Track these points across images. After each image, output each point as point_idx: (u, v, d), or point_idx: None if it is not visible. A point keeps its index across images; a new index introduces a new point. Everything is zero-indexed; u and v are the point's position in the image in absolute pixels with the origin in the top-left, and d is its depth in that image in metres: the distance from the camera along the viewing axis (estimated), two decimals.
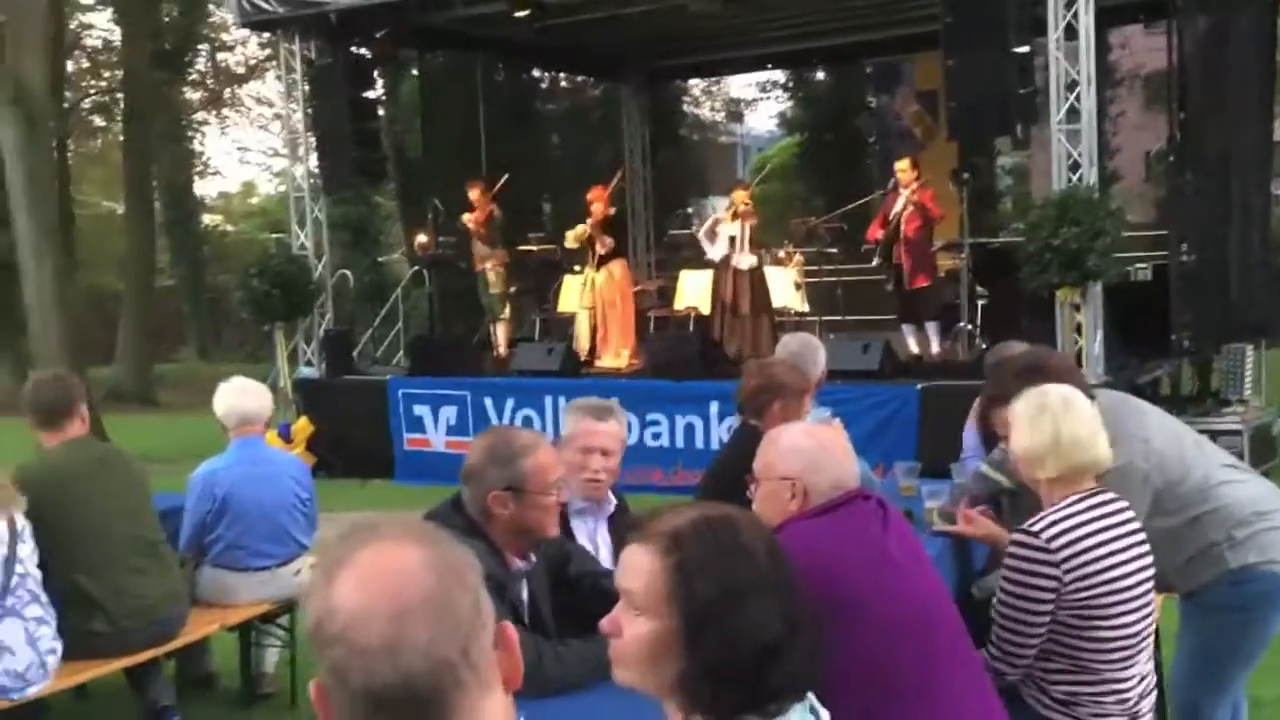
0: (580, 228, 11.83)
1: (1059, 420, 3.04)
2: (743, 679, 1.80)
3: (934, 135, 15.61)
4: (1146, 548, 3.05)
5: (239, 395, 5.07)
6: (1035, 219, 9.10)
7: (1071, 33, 9.15)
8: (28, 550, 4.09)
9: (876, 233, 10.91)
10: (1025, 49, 9.35)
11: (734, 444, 4.41)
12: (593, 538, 3.61)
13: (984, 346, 9.69)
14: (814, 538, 2.56)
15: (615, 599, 1.88)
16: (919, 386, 9.29)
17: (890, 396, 9.30)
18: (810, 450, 2.66)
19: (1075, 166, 9.25)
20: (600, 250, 11.58)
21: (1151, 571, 3.04)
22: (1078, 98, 9.20)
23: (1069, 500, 3.02)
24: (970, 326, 10.47)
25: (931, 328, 10.92)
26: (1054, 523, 2.97)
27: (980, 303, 10.70)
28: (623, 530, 3.50)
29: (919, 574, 2.65)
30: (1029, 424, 3.07)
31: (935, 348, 10.90)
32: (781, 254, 12.50)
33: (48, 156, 17.67)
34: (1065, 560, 2.92)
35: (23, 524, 4.12)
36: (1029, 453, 3.07)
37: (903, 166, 10.85)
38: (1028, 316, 9.61)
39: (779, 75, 25.31)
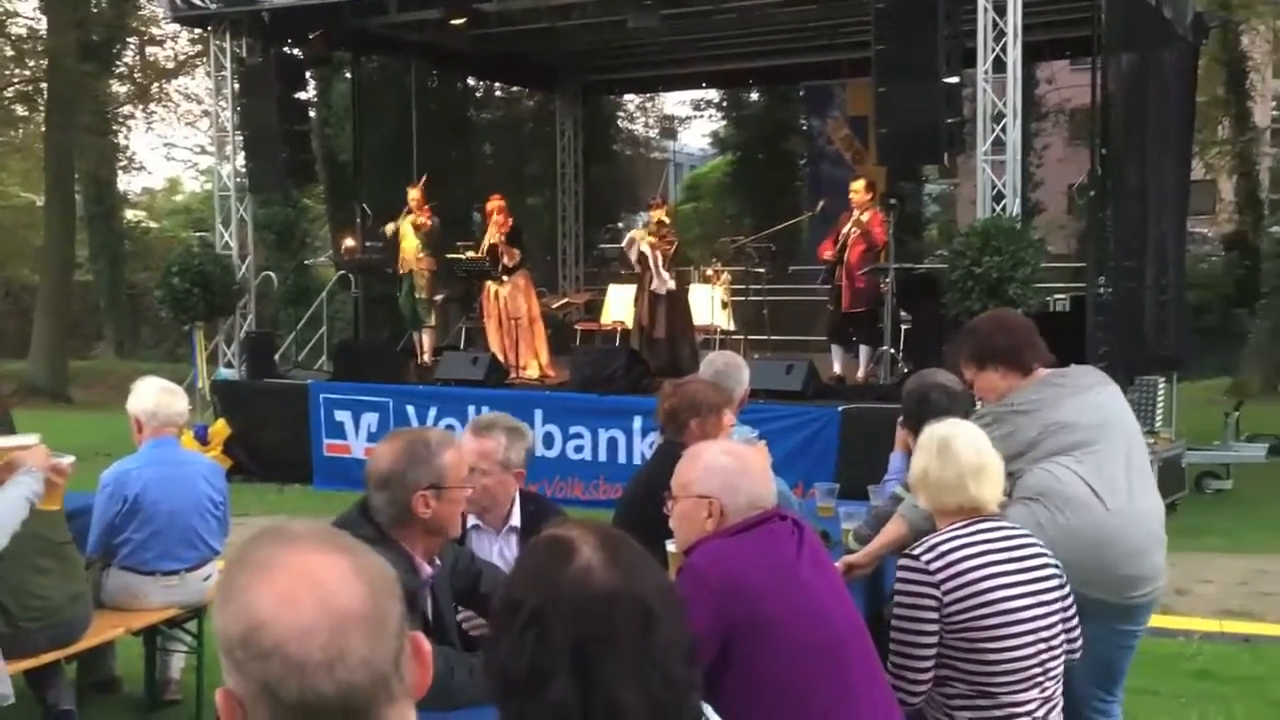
0: (470, 252, 11.84)
1: (966, 453, 3.14)
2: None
3: (863, 160, 15.79)
4: (1048, 573, 3.10)
5: (154, 394, 4.97)
6: (959, 246, 9.24)
7: (999, 66, 9.32)
8: None
9: (827, 251, 11.00)
10: (954, 80, 9.50)
11: (655, 461, 4.41)
12: (488, 552, 3.60)
13: (905, 371, 9.82)
14: (726, 557, 2.57)
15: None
16: (840, 408, 9.38)
17: (812, 417, 9.38)
18: (728, 469, 2.67)
19: (999, 196, 9.41)
20: (507, 261, 11.52)
21: (1055, 597, 3.09)
22: (1003, 129, 9.37)
23: (955, 525, 3.10)
24: (893, 351, 10.60)
25: (864, 351, 11.03)
26: (934, 546, 3.05)
27: (904, 327, 10.83)
28: (534, 533, 3.50)
29: (831, 595, 2.67)
30: (935, 454, 3.16)
31: (862, 371, 11.01)
32: (709, 272, 12.57)
33: None
34: (944, 581, 2.99)
35: None
36: (937, 481, 3.14)
37: (857, 187, 10.96)
38: (949, 342, 9.74)
39: (713, 94, 25.46)
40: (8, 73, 25.70)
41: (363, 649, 1.20)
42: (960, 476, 3.12)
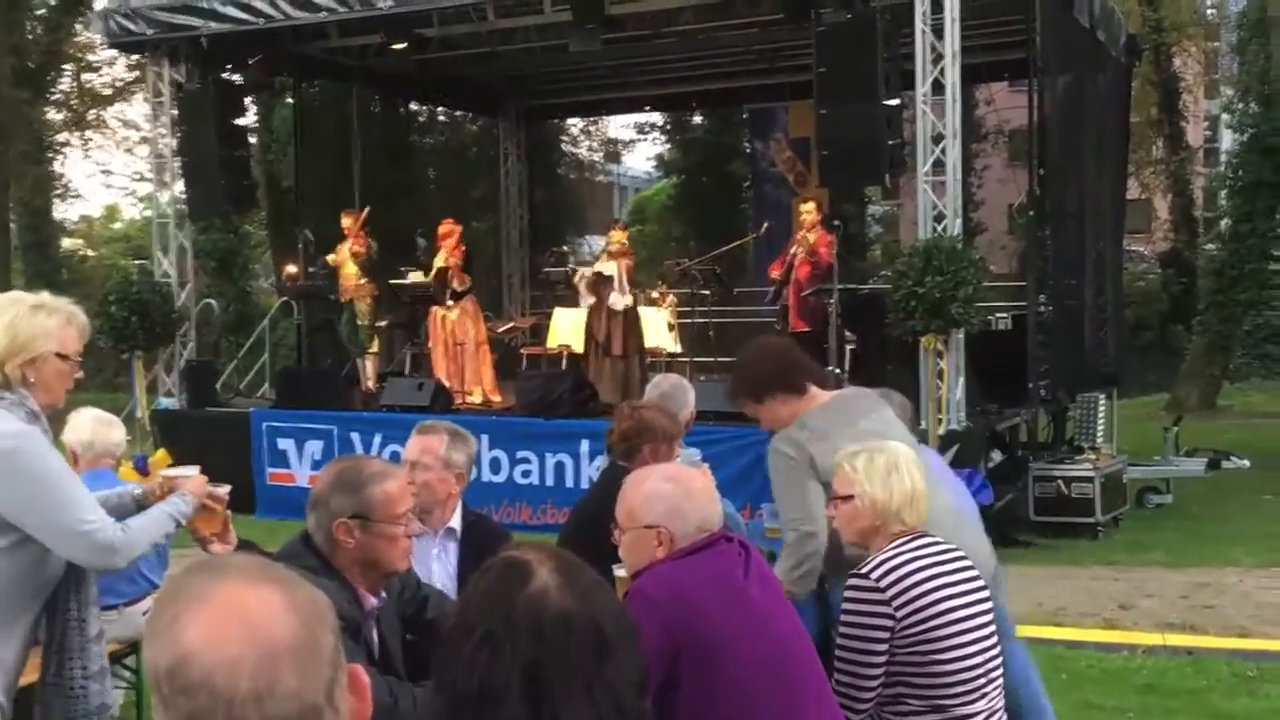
0: (434, 262, 11.81)
1: (914, 474, 3.16)
2: None
3: (806, 182, 15.90)
4: (981, 582, 3.15)
5: (89, 425, 4.88)
6: (902, 267, 9.32)
7: (938, 88, 9.43)
8: None
9: (775, 271, 11.04)
10: (894, 102, 9.60)
11: (601, 485, 4.39)
12: (425, 556, 3.57)
13: None
14: (675, 580, 2.55)
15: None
16: None
17: (759, 439, 9.28)
18: (673, 495, 2.65)
19: (940, 217, 9.51)
20: (457, 285, 11.48)
21: (989, 606, 3.13)
22: (943, 150, 9.47)
23: (895, 543, 3.12)
24: (839, 371, 10.64)
25: None
26: (882, 563, 3.07)
27: (849, 348, 10.88)
28: (477, 551, 3.49)
29: (780, 617, 2.66)
30: (883, 479, 3.16)
31: None
32: (655, 294, 12.58)
33: None
34: (895, 598, 3.00)
35: None
36: (885, 508, 3.14)
37: (807, 208, 11.02)
38: (894, 362, 9.82)
39: (657, 118, 25.59)
40: None
41: (292, 681, 1.17)
42: (912, 498, 3.14)
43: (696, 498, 2.66)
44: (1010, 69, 13.37)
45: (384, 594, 2.95)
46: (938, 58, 9.38)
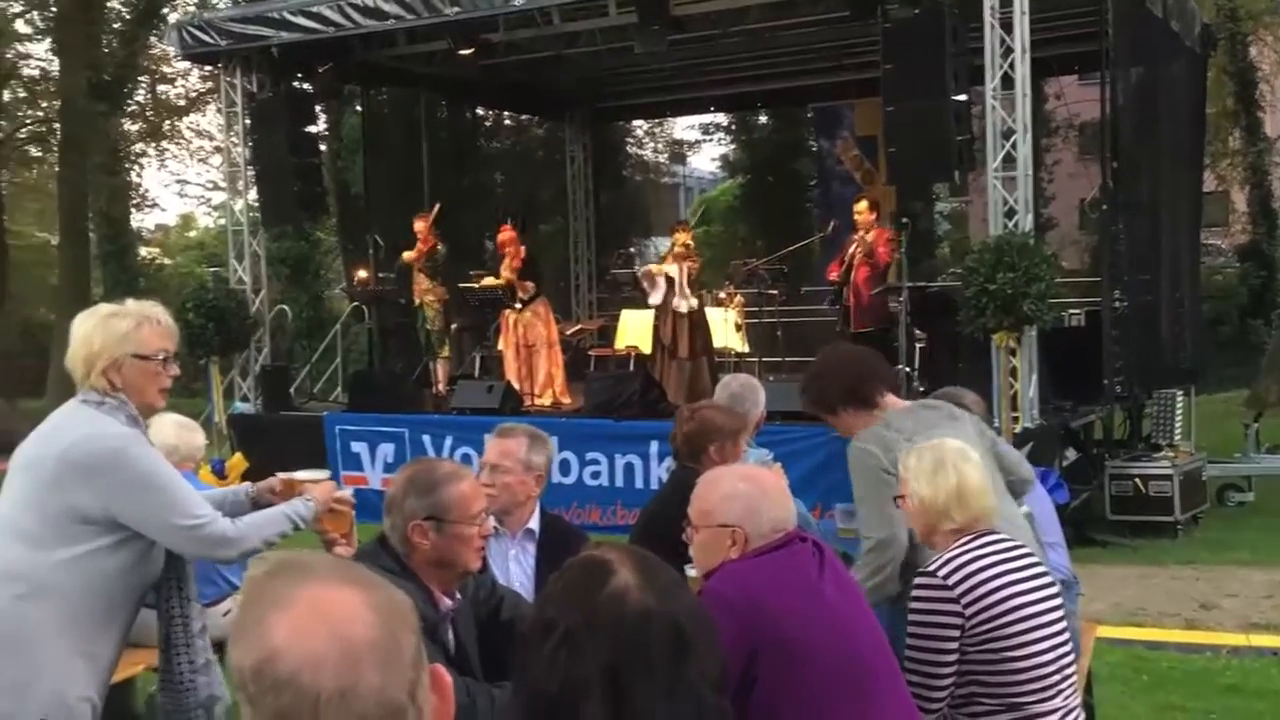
0: (489, 279, 11.92)
1: (960, 471, 3.12)
2: None
3: (873, 180, 15.79)
4: (1049, 579, 3.11)
5: (173, 430, 4.97)
6: (972, 264, 9.22)
7: (1008, 82, 9.32)
8: None
9: (834, 273, 11.00)
10: (963, 97, 9.51)
11: (670, 487, 4.40)
12: (503, 557, 3.64)
13: (921, 390, 9.78)
14: (748, 579, 2.55)
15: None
16: None
17: (830, 438, 9.28)
18: (748, 495, 2.65)
19: (1011, 213, 9.39)
20: (522, 295, 11.57)
21: (1059, 603, 3.10)
22: (1013, 146, 9.35)
23: (961, 541, 3.09)
24: (909, 369, 10.56)
25: None
26: (949, 560, 3.04)
27: (918, 346, 10.79)
28: (555, 553, 3.53)
29: (855, 615, 2.65)
30: (929, 477, 3.14)
31: None
32: (722, 295, 12.56)
33: None
34: (964, 595, 2.98)
35: None
36: (933, 505, 3.13)
37: (860, 208, 10.95)
38: (965, 360, 9.71)
39: (722, 118, 25.53)
40: (21, 114, 25.96)
41: (375, 679, 1.19)
42: (959, 495, 3.12)
43: (771, 497, 2.66)
44: (1080, 61, 13.18)
45: (458, 595, 2.98)
46: (1007, 51, 9.27)
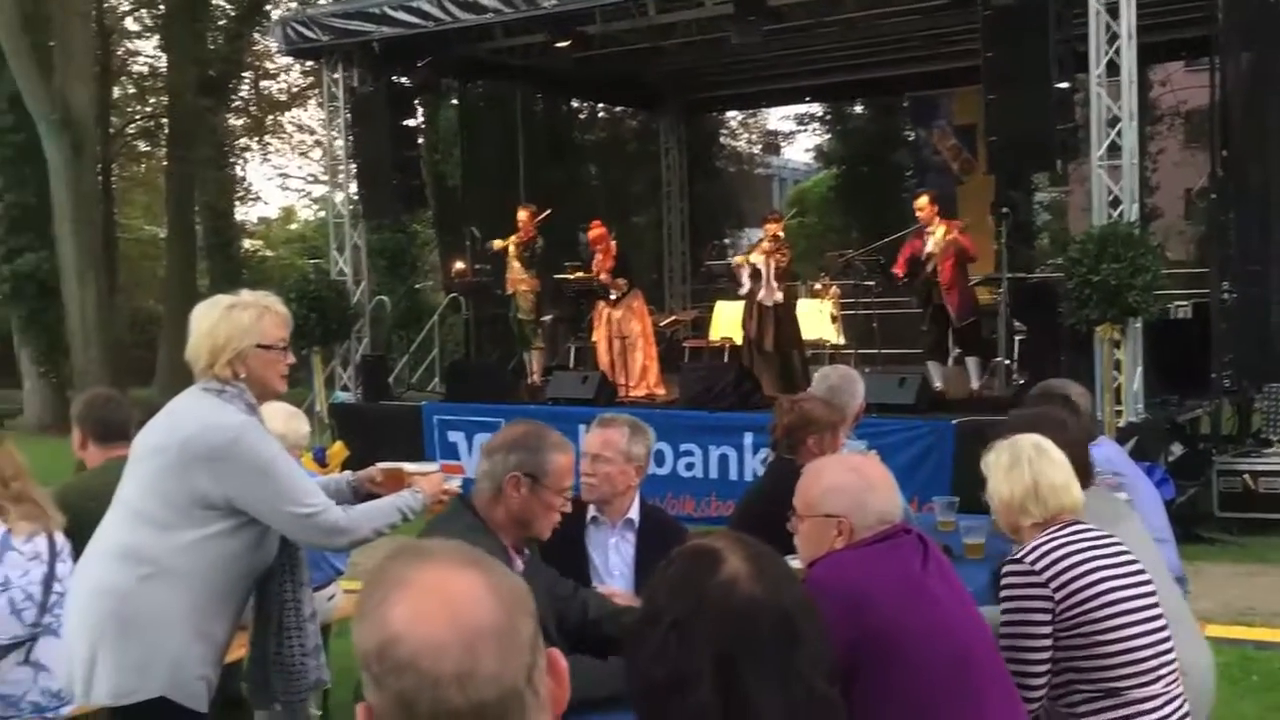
0: (580, 274, 11.97)
1: (1035, 467, 3.12)
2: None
3: (971, 169, 15.58)
4: (1140, 567, 3.06)
5: (282, 418, 5.06)
6: (1075, 254, 9.04)
7: (1113, 69, 9.11)
8: (66, 569, 4.11)
9: (901, 267, 10.89)
10: (1066, 85, 9.32)
11: (768, 478, 4.41)
12: (604, 546, 3.70)
13: (1021, 382, 9.63)
14: (852, 570, 2.54)
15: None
16: (954, 421, 9.23)
17: (926, 431, 9.24)
18: (855, 487, 2.64)
19: (1115, 202, 9.20)
20: (614, 294, 11.61)
21: (1153, 589, 3.05)
22: (1118, 134, 9.15)
23: (1049, 531, 3.08)
24: (1008, 362, 10.40)
25: (972, 363, 10.87)
26: (1036, 547, 3.03)
27: (1018, 338, 10.62)
28: (654, 542, 3.57)
29: (959, 608, 2.62)
30: (1005, 474, 3.15)
31: (975, 383, 10.84)
32: (817, 286, 12.48)
33: (93, 181, 17.98)
34: (1053, 580, 2.96)
35: (62, 542, 4.14)
36: (1010, 502, 3.13)
37: (921, 204, 10.81)
38: (1067, 352, 9.54)
39: (817, 108, 25.36)
40: (130, 110, 26.72)
41: (494, 664, 1.21)
42: (1067, 477, 3.12)
43: (878, 489, 2.65)
44: (1188, 47, 12.86)
45: (526, 552, 3.09)
46: (1113, 37, 9.06)
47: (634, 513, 3.75)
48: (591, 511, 3.73)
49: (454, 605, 1.23)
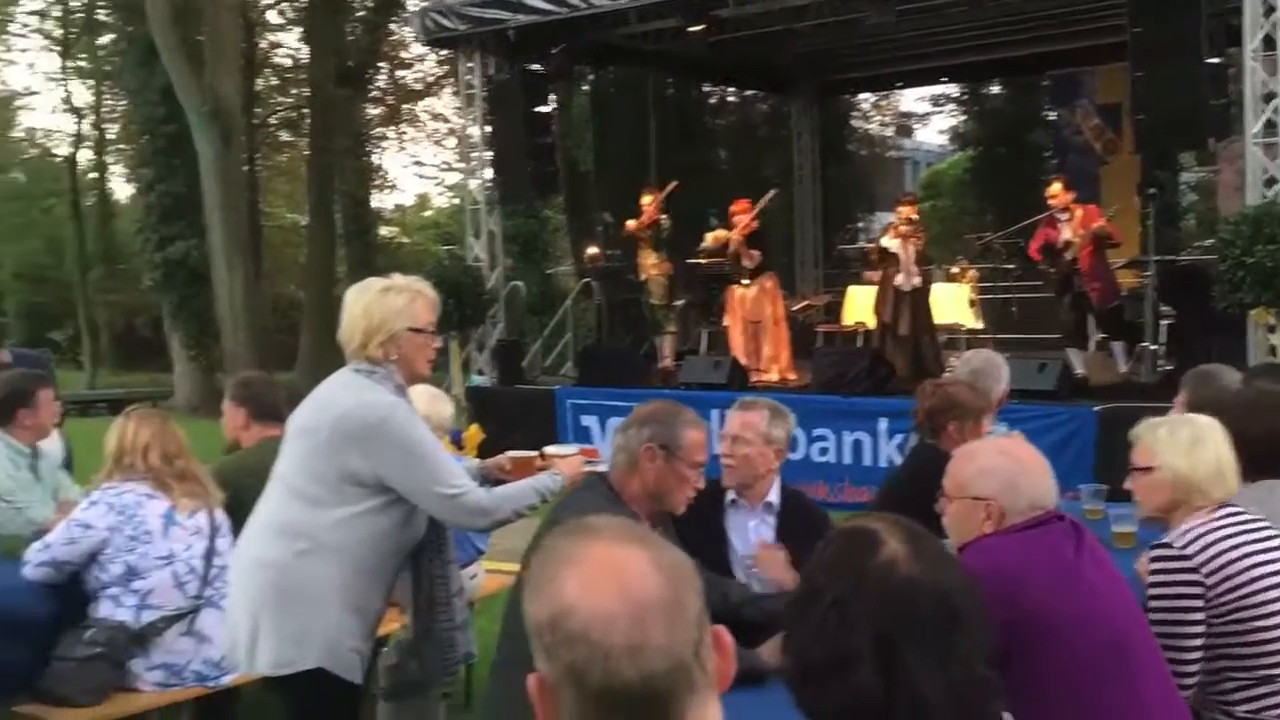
0: (719, 231, 11.86)
1: (1220, 450, 3.03)
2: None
3: (1115, 149, 15.14)
4: None
5: (427, 400, 5.17)
6: (1228, 235, 8.73)
7: (1270, 43, 8.76)
8: (226, 543, 4.28)
9: (1036, 251, 10.64)
10: (1218, 60, 8.99)
11: (910, 463, 4.37)
12: (743, 529, 3.71)
13: (1169, 368, 9.34)
14: (1003, 554, 2.51)
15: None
16: (1096, 408, 8.99)
17: (1066, 418, 9.02)
18: (1007, 470, 2.60)
19: (1271, 182, 8.85)
20: (746, 263, 11.52)
21: None
22: (1275, 110, 8.80)
23: (1203, 515, 2.99)
24: (1154, 347, 10.09)
25: (1118, 348, 10.58)
26: (1186, 532, 2.95)
27: (1164, 323, 10.30)
28: (794, 525, 3.56)
29: (1115, 597, 2.57)
30: (1187, 451, 3.03)
31: (1122, 367, 10.55)
32: (954, 270, 12.27)
33: (240, 170, 18.57)
34: (1204, 564, 2.87)
35: (222, 518, 4.32)
36: (1189, 480, 3.01)
37: (1054, 190, 10.54)
38: (1217, 337, 9.22)
39: (952, 89, 24.86)
40: (273, 101, 27.51)
41: (662, 637, 1.24)
42: (1219, 472, 3.02)
43: (1031, 473, 2.60)
44: None
45: (659, 528, 3.09)
46: (1269, 10, 8.71)
47: (774, 496, 3.75)
48: (730, 495, 3.74)
49: (623, 579, 1.27)
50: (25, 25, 27.88)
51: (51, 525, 4.36)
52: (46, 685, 3.96)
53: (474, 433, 11.86)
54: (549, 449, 3.68)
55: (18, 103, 30.19)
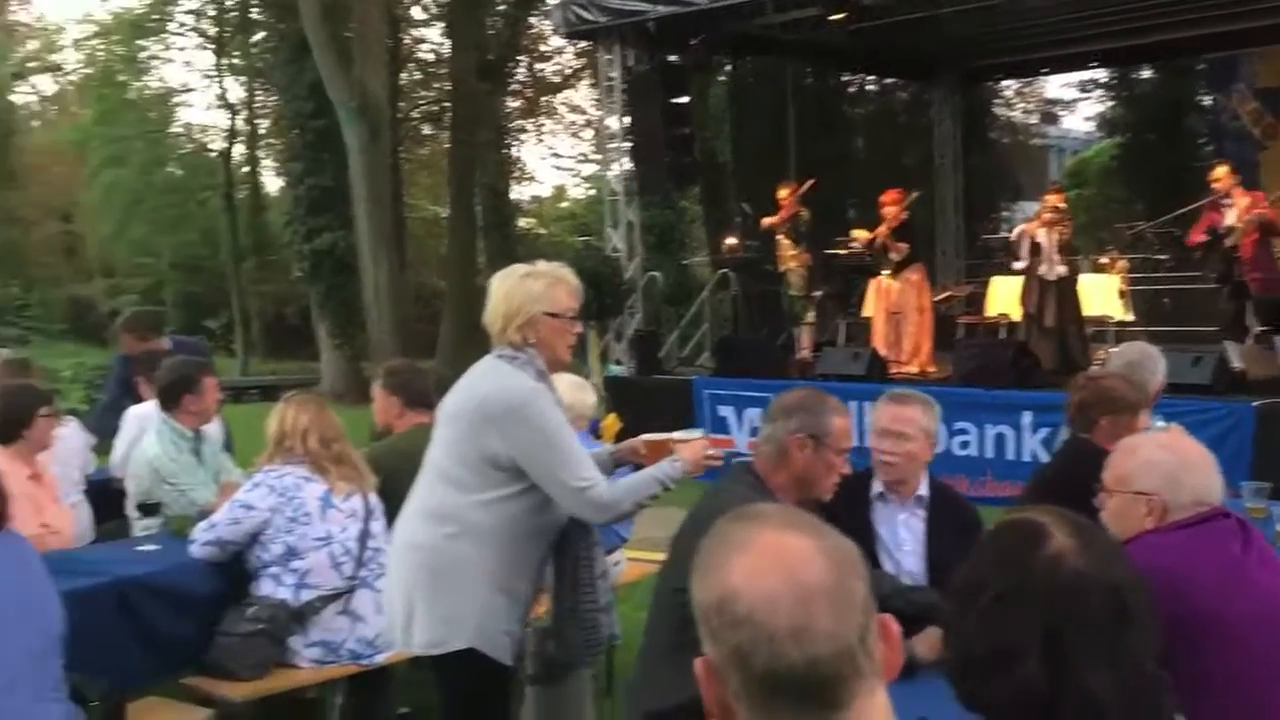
0: (863, 231, 11.73)
1: None
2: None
3: (1275, 134, 14.57)
4: None
5: (569, 390, 5.24)
6: None
7: None
8: (379, 526, 4.41)
9: (1198, 238, 10.27)
10: None
11: (1060, 458, 4.28)
12: (893, 522, 3.66)
13: None
14: (1164, 551, 2.45)
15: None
16: (1255, 404, 8.66)
17: (1223, 413, 8.70)
18: (1170, 464, 2.54)
19: None
20: (894, 256, 11.37)
21: None
22: None
23: None
24: None
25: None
26: None
27: None
28: (944, 519, 3.51)
29: None
30: None
31: None
32: (1103, 260, 11.93)
33: (386, 164, 19.00)
34: None
35: (375, 502, 4.44)
36: None
37: (1218, 175, 10.16)
38: None
39: (1101, 74, 24.12)
40: (415, 95, 28.08)
41: (827, 622, 1.25)
42: None
43: (1195, 468, 2.53)
44: None
45: None
46: None
47: (924, 488, 3.72)
48: (877, 487, 3.71)
49: (789, 564, 1.28)
50: (182, 25, 29.00)
51: (214, 507, 4.56)
52: (212, 659, 4.14)
53: (611, 422, 12.01)
54: (675, 434, 3.67)
55: (175, 99, 31.33)
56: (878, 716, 1.29)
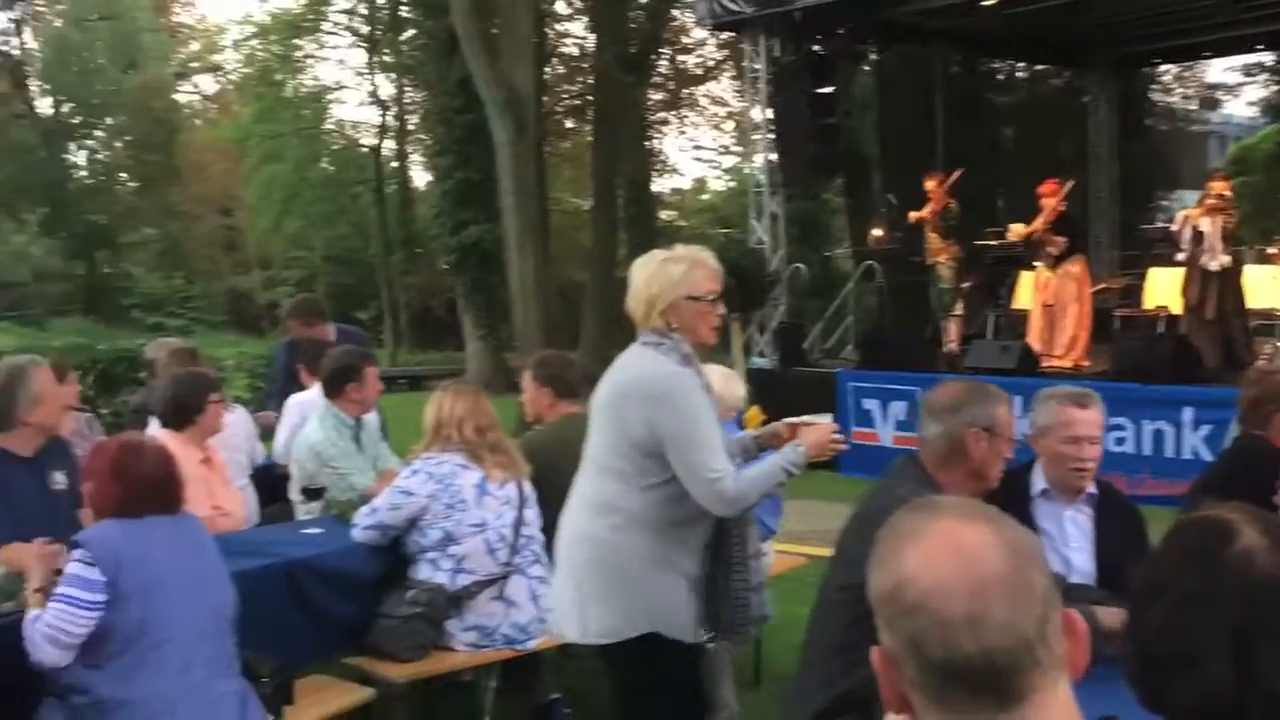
0: (1019, 225, 11.47)
1: None
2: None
3: None
4: None
5: (718, 380, 5.24)
6: None
7: None
8: (533, 514, 4.49)
9: None
10: None
11: (1229, 455, 4.16)
12: (1059, 519, 3.59)
13: None
14: None
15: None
16: None
17: None
18: None
19: None
20: (1051, 250, 11.07)
21: None
22: None
23: None
24: None
25: None
26: None
27: None
28: (1111, 517, 3.43)
29: None
30: None
31: None
32: (1270, 250, 11.46)
33: (531, 158, 19.27)
34: None
35: (529, 490, 4.53)
36: None
37: None
38: None
39: (1267, 58, 23.11)
40: (559, 89, 28.39)
41: (1003, 612, 1.24)
42: None
43: None
44: None
45: None
46: None
47: (1092, 486, 3.63)
48: (1040, 484, 3.62)
49: (964, 553, 1.27)
50: (336, 24, 29.85)
51: (373, 493, 4.70)
52: (373, 640, 4.27)
53: (754, 414, 11.90)
54: (805, 419, 3.62)
55: (329, 97, 32.25)
56: (1059, 711, 1.27)
